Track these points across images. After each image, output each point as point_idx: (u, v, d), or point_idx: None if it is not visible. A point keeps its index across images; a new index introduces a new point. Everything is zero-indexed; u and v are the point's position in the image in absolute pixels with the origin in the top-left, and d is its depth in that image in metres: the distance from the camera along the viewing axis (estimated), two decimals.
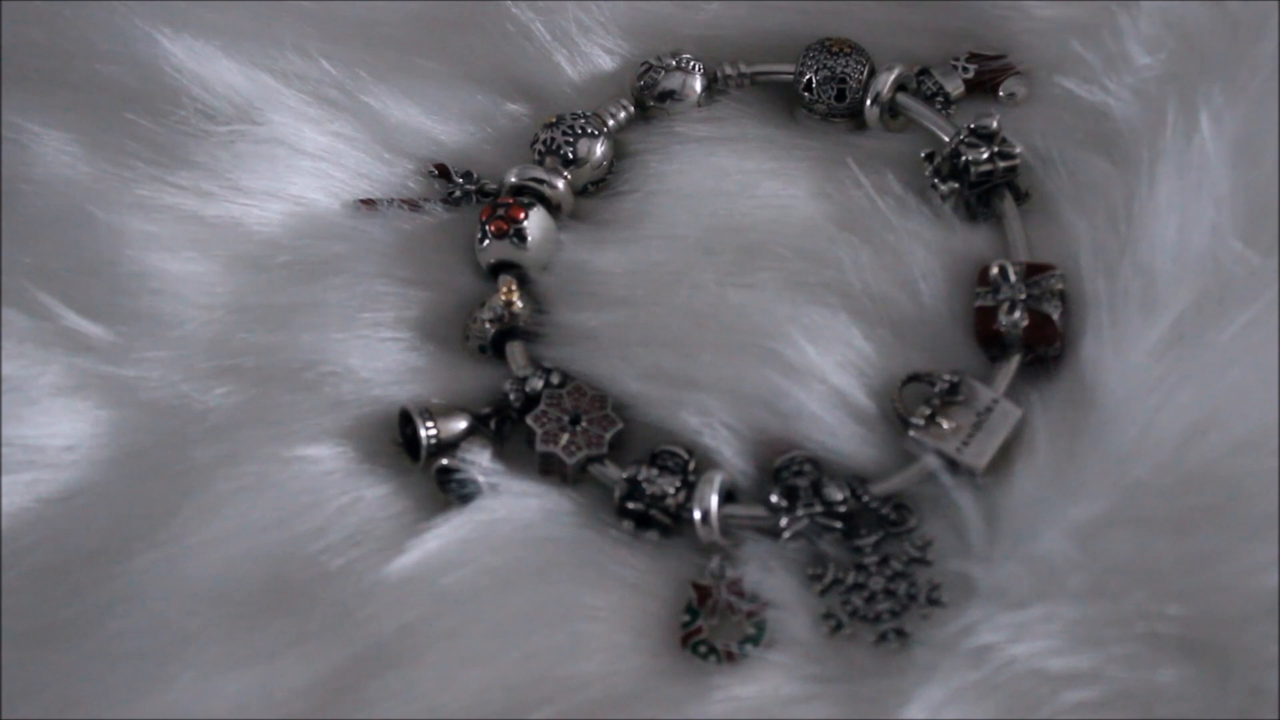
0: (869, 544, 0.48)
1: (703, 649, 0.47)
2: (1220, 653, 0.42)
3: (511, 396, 0.52)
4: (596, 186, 0.57)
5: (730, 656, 0.46)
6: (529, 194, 0.56)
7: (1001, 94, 0.57)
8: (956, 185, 0.54)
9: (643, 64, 0.58)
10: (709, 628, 0.47)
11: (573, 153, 0.56)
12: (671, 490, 0.49)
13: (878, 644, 0.46)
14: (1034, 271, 0.51)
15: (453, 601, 0.47)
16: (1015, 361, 0.50)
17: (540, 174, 0.56)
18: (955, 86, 0.57)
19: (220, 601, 0.47)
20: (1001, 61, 0.57)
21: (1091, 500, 0.45)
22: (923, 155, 0.55)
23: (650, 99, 0.58)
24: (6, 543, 0.49)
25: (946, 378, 0.50)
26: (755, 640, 0.46)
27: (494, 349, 0.54)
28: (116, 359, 0.52)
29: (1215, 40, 0.52)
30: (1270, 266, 0.47)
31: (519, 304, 0.53)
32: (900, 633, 0.46)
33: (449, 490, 0.50)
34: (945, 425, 0.49)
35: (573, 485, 0.51)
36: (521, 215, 0.55)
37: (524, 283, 0.54)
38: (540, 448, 0.51)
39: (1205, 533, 0.43)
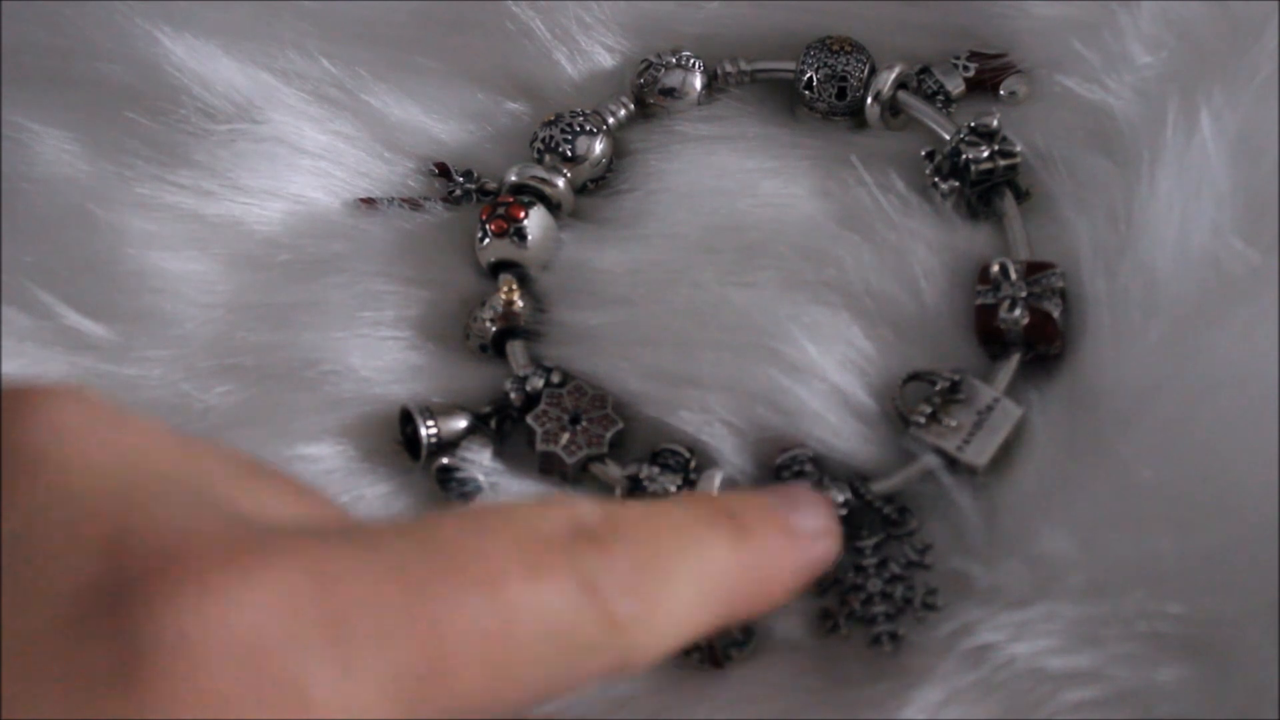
0: (869, 545, 0.48)
1: (695, 655, 0.46)
2: (1220, 653, 0.42)
3: (512, 395, 0.52)
4: (596, 184, 0.57)
5: (716, 663, 0.46)
6: (529, 192, 0.56)
7: (1002, 92, 0.57)
8: (957, 184, 0.54)
9: (643, 62, 0.58)
10: None
11: (572, 151, 0.56)
12: (672, 489, 0.49)
13: (871, 646, 0.46)
14: (1034, 269, 0.51)
15: None
16: (1015, 360, 0.50)
17: (540, 172, 0.56)
18: (956, 85, 0.57)
19: None
20: (1002, 60, 0.57)
21: (1091, 499, 0.45)
22: (923, 154, 0.55)
23: (650, 97, 0.58)
24: None
25: (947, 376, 0.49)
26: (742, 645, 0.46)
27: (494, 348, 0.54)
28: (117, 358, 0.52)
29: (1215, 40, 0.52)
30: (1270, 265, 0.47)
31: (519, 303, 0.53)
32: (893, 636, 0.46)
33: (449, 489, 0.50)
34: (946, 423, 0.49)
35: (573, 484, 0.51)
36: (522, 214, 0.55)
37: (524, 281, 0.54)
38: (540, 447, 0.51)
39: (1205, 533, 0.43)
